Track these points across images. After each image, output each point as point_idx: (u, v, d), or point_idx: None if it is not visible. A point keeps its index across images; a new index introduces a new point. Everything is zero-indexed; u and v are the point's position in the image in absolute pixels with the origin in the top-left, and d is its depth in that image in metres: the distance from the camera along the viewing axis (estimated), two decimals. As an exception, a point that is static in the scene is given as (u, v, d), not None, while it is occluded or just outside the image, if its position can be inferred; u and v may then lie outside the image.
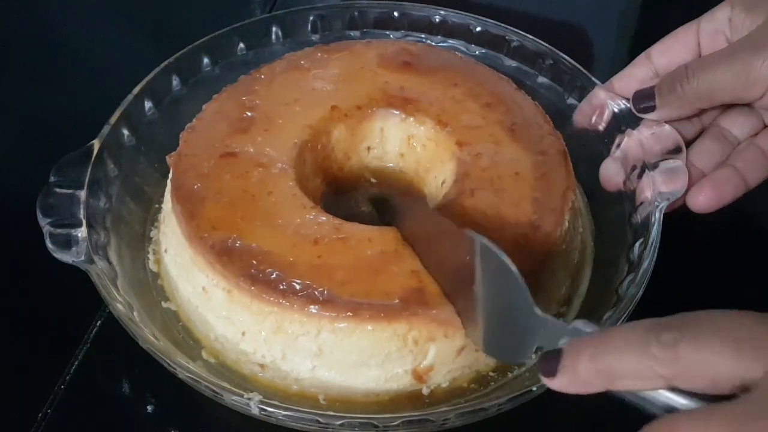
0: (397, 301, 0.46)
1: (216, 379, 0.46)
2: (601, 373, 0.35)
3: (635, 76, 0.56)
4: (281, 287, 0.46)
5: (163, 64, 0.59)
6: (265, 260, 0.47)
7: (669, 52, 0.55)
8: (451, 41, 0.65)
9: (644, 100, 0.54)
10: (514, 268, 0.40)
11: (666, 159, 0.53)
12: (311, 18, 0.65)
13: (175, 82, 0.60)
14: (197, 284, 0.49)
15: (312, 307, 0.46)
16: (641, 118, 0.55)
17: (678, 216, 0.53)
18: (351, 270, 0.47)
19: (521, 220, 0.50)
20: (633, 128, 0.55)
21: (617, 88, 0.57)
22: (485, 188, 0.52)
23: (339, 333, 0.46)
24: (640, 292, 0.48)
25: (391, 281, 0.47)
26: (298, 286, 0.46)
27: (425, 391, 0.48)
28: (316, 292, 0.46)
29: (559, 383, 0.37)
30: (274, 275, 0.47)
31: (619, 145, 0.56)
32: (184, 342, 0.51)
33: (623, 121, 0.56)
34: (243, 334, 0.48)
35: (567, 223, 0.52)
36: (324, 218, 0.50)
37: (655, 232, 0.51)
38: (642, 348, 0.34)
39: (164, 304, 0.52)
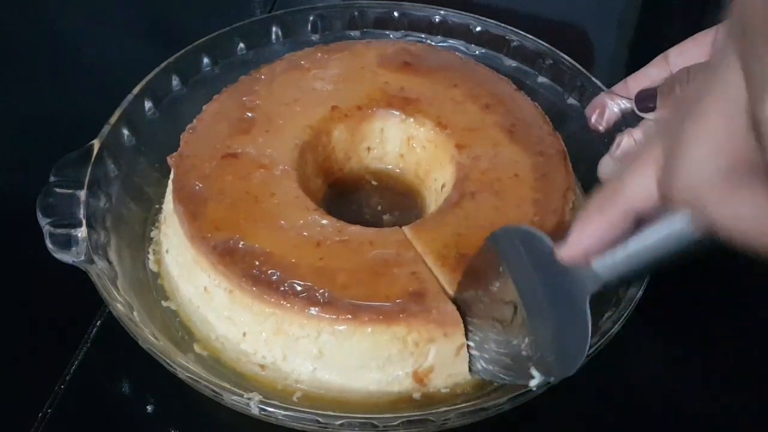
0: (396, 303, 0.46)
1: (216, 379, 0.46)
2: None
3: (651, 76, 0.56)
4: (282, 288, 0.46)
5: (163, 64, 0.59)
6: (268, 261, 0.47)
7: (686, 54, 0.54)
8: (451, 41, 0.65)
9: (646, 99, 0.54)
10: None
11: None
12: (311, 18, 0.65)
13: (175, 82, 0.60)
14: (199, 284, 0.49)
15: (312, 309, 0.46)
16: (641, 118, 0.55)
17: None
18: (352, 272, 0.47)
19: (522, 222, 0.50)
20: (633, 128, 0.55)
21: (632, 87, 0.57)
22: (485, 191, 0.52)
23: (339, 335, 0.46)
24: (640, 292, 0.48)
25: (392, 284, 0.47)
26: (299, 288, 0.46)
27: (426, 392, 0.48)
28: (317, 294, 0.46)
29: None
30: (275, 276, 0.47)
31: (619, 145, 0.56)
32: (184, 342, 0.50)
33: (623, 121, 0.56)
34: (244, 334, 0.48)
35: (568, 224, 0.52)
36: (326, 221, 0.50)
37: (655, 232, 0.50)
38: None
39: (164, 304, 0.52)
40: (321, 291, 0.46)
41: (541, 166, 0.54)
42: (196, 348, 0.50)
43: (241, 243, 0.48)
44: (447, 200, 0.52)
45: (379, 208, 0.57)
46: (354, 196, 0.58)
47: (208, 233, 0.49)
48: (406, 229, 0.50)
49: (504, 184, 0.53)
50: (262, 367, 0.48)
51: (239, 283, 0.47)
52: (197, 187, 0.51)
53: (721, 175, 0.28)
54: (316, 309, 0.46)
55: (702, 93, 0.28)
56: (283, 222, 0.50)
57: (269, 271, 0.47)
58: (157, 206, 0.57)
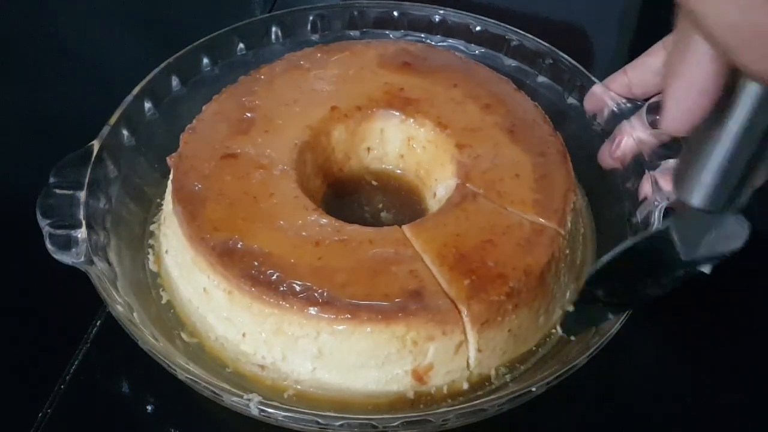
0: (394, 302, 0.46)
1: (216, 380, 0.46)
2: None
3: (650, 66, 0.55)
4: (281, 289, 0.46)
5: (163, 64, 0.59)
6: (267, 261, 0.47)
7: None
8: (450, 41, 0.65)
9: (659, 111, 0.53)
10: None
11: (666, 158, 0.53)
12: (311, 18, 0.65)
13: (175, 82, 0.60)
14: (198, 285, 0.49)
15: (311, 309, 0.46)
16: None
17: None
18: (351, 272, 0.47)
19: (524, 223, 0.50)
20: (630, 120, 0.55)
21: (631, 77, 0.56)
22: (487, 191, 0.52)
23: (338, 335, 0.46)
24: (640, 293, 0.48)
25: (391, 282, 0.47)
26: (298, 288, 0.46)
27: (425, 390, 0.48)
28: (316, 294, 0.46)
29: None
30: (274, 276, 0.47)
31: (618, 145, 0.56)
32: (183, 343, 0.50)
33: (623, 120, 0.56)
34: (243, 335, 0.48)
35: (570, 224, 0.52)
36: (325, 220, 0.50)
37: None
38: None
39: (164, 305, 0.52)
40: (320, 291, 0.46)
41: (541, 167, 0.54)
42: (184, 336, 0.50)
43: (240, 243, 0.48)
44: (449, 201, 0.52)
45: (380, 206, 0.57)
46: (354, 197, 0.58)
47: (207, 234, 0.49)
48: (405, 228, 0.50)
49: (505, 184, 0.52)
50: (262, 367, 0.48)
51: (238, 283, 0.47)
52: (196, 188, 0.51)
53: None
54: (315, 309, 0.46)
55: None
56: (282, 222, 0.50)
57: (268, 272, 0.47)
58: (156, 206, 0.57)
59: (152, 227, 0.56)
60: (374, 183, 0.59)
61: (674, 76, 0.33)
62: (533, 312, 0.49)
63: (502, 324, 0.48)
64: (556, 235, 0.50)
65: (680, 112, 0.33)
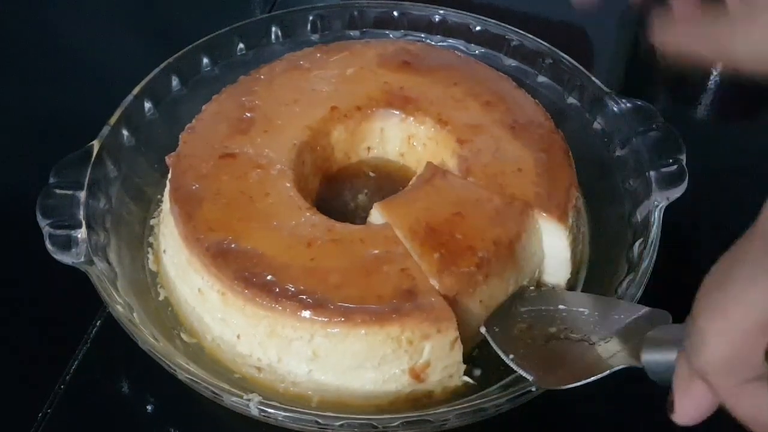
0: (388, 303, 0.46)
1: (215, 380, 0.46)
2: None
3: None
4: (274, 291, 0.46)
5: (163, 64, 0.60)
6: (260, 263, 0.47)
7: None
8: (450, 41, 0.65)
9: None
10: None
11: (667, 158, 0.54)
12: (311, 18, 0.65)
13: (175, 82, 0.60)
14: (193, 285, 0.49)
15: (303, 311, 0.45)
16: (642, 119, 0.55)
17: (678, 215, 0.53)
18: (344, 272, 0.47)
19: (493, 197, 0.50)
20: (634, 128, 0.56)
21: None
22: (488, 183, 0.52)
23: (332, 338, 0.46)
24: (640, 292, 0.48)
25: (383, 282, 0.46)
26: (291, 290, 0.46)
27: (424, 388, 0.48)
28: (309, 297, 0.46)
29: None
30: (267, 278, 0.47)
31: (619, 145, 0.56)
32: (183, 343, 0.50)
33: (624, 122, 0.56)
34: (238, 336, 0.48)
35: (571, 220, 0.52)
36: (317, 219, 0.50)
37: (654, 231, 0.51)
38: None
39: (161, 300, 0.52)
40: (313, 293, 0.46)
41: (543, 163, 0.54)
42: (183, 336, 0.50)
43: (234, 244, 0.48)
44: (419, 177, 0.52)
45: (365, 191, 0.57)
46: (348, 185, 0.58)
47: (202, 234, 0.49)
48: (378, 205, 0.50)
49: (507, 177, 0.52)
50: (259, 369, 0.48)
51: (231, 285, 0.47)
52: (194, 188, 0.51)
53: (729, 368, 0.32)
54: (308, 312, 0.45)
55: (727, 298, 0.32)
56: (275, 222, 0.49)
57: (261, 273, 0.47)
58: (156, 206, 0.57)
59: (152, 222, 0.56)
60: (372, 174, 0.59)
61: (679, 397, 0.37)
62: (504, 281, 0.49)
63: (474, 295, 0.48)
64: (525, 207, 0.50)
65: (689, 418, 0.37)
